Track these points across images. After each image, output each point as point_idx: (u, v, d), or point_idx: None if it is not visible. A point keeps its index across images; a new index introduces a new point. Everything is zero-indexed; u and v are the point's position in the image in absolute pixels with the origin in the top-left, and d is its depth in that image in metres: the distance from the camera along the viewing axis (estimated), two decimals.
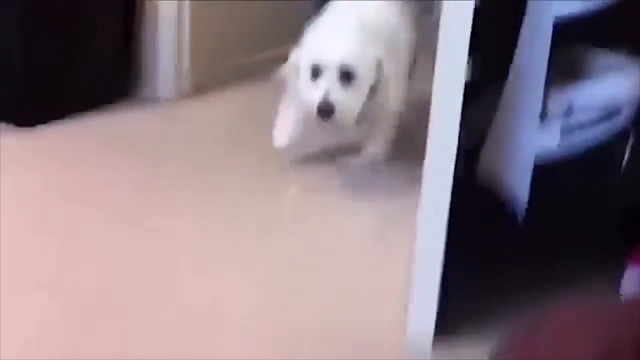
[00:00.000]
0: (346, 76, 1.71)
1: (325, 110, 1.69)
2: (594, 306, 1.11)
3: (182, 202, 1.64)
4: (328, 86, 1.70)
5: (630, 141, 1.45)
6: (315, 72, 1.73)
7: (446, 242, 1.26)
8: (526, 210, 1.41)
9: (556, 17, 1.26)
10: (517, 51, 1.29)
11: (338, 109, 1.69)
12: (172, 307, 1.31)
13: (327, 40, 1.78)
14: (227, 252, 1.48)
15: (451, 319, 1.27)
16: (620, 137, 1.43)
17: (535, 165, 1.37)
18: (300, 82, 1.77)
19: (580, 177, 1.45)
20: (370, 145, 1.91)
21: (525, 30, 1.29)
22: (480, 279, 1.37)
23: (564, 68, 1.37)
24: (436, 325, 1.25)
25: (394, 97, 1.85)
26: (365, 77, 1.74)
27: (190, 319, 1.28)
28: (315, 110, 1.70)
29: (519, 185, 1.39)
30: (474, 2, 1.15)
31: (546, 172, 1.39)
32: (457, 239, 1.30)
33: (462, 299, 1.30)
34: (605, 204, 1.51)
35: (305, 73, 1.75)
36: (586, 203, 1.49)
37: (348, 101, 1.71)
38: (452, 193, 1.24)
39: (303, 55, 1.77)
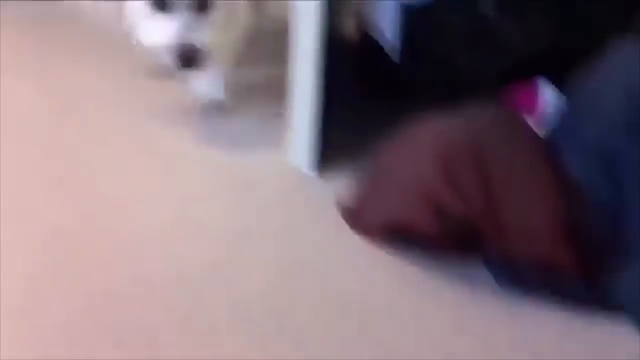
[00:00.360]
0: (202, 5, 1.31)
1: (188, 56, 1.28)
2: (440, 120, 1.25)
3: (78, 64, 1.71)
4: (183, 22, 1.29)
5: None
6: (159, 5, 1.30)
7: (324, 81, 1.36)
8: (400, 52, 1.54)
9: None
10: None
11: (203, 50, 1.30)
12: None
13: None
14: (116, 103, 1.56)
15: (331, 151, 1.39)
16: None
17: (403, 10, 1.49)
18: (138, 20, 1.34)
19: (449, 22, 1.57)
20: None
21: None
22: (360, 115, 1.51)
23: None
24: (317, 156, 1.38)
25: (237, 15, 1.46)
26: (219, 3, 1.33)
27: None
28: (174, 57, 1.29)
29: (388, 28, 1.51)
30: None
31: (415, 17, 1.51)
32: (336, 78, 1.42)
33: (342, 133, 1.43)
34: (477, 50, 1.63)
35: (145, 7, 1.31)
36: (458, 47, 1.61)
37: (211, 37, 1.32)
38: (328, 39, 1.34)
39: None
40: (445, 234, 1.14)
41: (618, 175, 1.18)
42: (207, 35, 1.32)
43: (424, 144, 1.21)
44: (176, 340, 0.98)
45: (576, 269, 1.10)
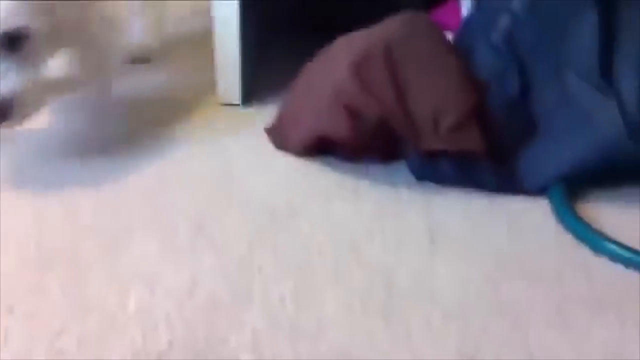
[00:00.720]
0: (13, 42, 1.05)
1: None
2: (356, 33, 1.28)
3: None
4: None
5: None
6: None
7: (250, 14, 1.40)
8: None
9: None
10: None
11: (18, 100, 1.05)
12: None
13: None
14: None
15: (261, 84, 1.44)
16: None
17: None
18: None
19: None
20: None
21: None
22: (290, 48, 1.54)
23: None
24: (246, 90, 1.41)
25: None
26: (41, 28, 1.07)
27: None
28: None
29: None
30: None
31: None
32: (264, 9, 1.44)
33: (273, 66, 1.48)
34: None
35: None
36: None
37: (28, 82, 1.06)
38: None
39: None
40: (362, 136, 1.17)
41: (526, 66, 1.21)
42: (23, 80, 1.06)
43: (338, 54, 1.24)
44: (102, 262, 1.00)
45: (487, 156, 1.13)
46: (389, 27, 1.24)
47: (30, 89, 1.07)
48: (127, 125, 1.33)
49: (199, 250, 1.02)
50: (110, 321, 0.90)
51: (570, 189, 1.10)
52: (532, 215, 1.09)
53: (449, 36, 1.34)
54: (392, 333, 0.89)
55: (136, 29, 1.55)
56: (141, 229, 1.06)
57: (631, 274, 0.98)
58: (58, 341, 0.86)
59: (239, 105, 1.41)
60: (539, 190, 1.12)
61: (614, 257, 0.99)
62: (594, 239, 1.01)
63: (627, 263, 0.98)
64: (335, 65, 1.22)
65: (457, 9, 1.61)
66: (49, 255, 1.01)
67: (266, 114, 1.35)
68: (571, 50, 1.17)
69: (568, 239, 1.04)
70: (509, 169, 1.14)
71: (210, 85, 1.42)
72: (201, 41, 1.50)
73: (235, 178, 1.18)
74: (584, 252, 1.01)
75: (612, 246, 0.99)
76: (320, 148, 1.22)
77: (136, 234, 1.05)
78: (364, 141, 1.18)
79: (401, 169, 1.19)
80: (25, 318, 0.90)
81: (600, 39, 1.15)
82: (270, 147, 1.27)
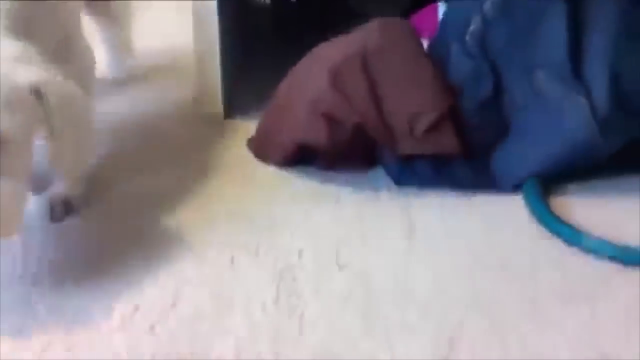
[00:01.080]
0: None
1: None
2: (334, 40, 1.30)
3: None
4: None
5: None
6: None
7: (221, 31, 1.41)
8: None
9: None
10: None
11: None
12: None
13: None
14: None
15: (244, 96, 1.46)
16: None
17: None
18: None
19: None
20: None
21: None
22: (263, 63, 1.57)
23: None
24: (228, 102, 1.43)
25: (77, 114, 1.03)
26: (23, 131, 0.91)
27: None
28: None
29: None
30: None
31: None
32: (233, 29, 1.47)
33: (256, 78, 1.50)
34: None
35: None
36: None
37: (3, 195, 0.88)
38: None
39: None
40: (341, 144, 1.19)
41: (498, 67, 1.23)
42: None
43: (316, 63, 1.26)
44: (87, 275, 1.02)
45: (462, 156, 1.16)
46: (366, 35, 1.26)
47: (8, 202, 0.89)
48: (109, 140, 1.34)
49: (181, 262, 1.04)
50: (95, 334, 0.92)
51: (544, 185, 1.13)
52: (507, 211, 1.11)
53: (425, 43, 1.36)
54: (371, 333, 0.90)
55: (110, 54, 1.56)
56: (125, 243, 1.08)
57: (603, 265, 1.00)
58: (44, 355, 0.88)
59: (221, 118, 1.43)
60: (513, 188, 1.14)
61: (587, 250, 1.01)
62: (566, 232, 1.03)
63: (600, 254, 1.00)
64: (314, 74, 1.24)
65: (434, 14, 1.63)
66: (34, 270, 1.03)
67: (248, 126, 1.37)
68: (541, 49, 1.19)
69: (542, 232, 1.06)
70: (483, 168, 1.16)
71: (192, 100, 1.45)
72: (184, 57, 1.53)
73: (217, 189, 1.20)
74: (558, 245, 1.03)
75: (585, 239, 1.01)
76: (300, 158, 1.24)
77: (120, 247, 1.07)
78: (342, 148, 1.20)
79: (380, 175, 1.21)
80: (11, 333, 0.92)
81: (569, 31, 1.16)
82: (251, 158, 1.29)
